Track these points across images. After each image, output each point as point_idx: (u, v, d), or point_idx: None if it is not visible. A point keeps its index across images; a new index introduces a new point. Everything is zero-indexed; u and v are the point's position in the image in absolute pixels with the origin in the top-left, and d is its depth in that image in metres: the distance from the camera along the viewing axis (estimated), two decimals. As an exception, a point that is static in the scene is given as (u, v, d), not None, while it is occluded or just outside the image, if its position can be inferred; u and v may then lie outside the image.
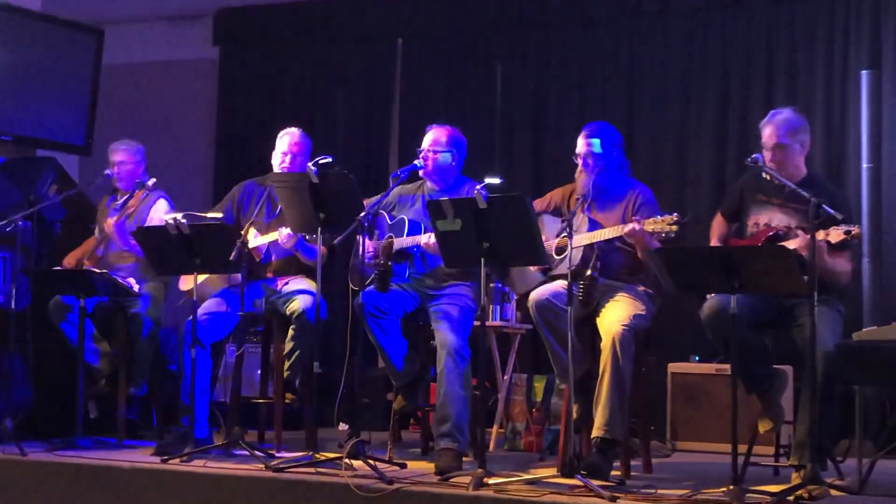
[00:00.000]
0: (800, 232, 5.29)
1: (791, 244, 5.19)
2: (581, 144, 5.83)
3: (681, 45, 8.04)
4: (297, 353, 6.30)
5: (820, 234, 5.01)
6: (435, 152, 6.14)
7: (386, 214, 6.23)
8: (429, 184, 6.23)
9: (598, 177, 5.74)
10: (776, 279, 4.81)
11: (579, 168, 5.84)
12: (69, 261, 7.09)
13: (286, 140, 6.55)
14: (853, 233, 4.97)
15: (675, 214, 5.27)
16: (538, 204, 6.01)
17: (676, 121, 8.04)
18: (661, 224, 5.27)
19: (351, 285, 6.16)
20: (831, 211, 4.91)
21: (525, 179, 8.27)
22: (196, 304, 6.12)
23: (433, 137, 6.18)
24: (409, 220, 6.12)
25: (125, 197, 6.97)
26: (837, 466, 5.49)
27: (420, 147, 6.20)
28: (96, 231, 7.17)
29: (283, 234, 6.19)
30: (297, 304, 6.26)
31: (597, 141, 5.79)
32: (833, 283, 5.25)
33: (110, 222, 6.78)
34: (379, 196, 6.17)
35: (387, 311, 5.97)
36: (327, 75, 9.10)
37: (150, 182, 6.84)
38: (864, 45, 7.47)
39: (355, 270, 6.14)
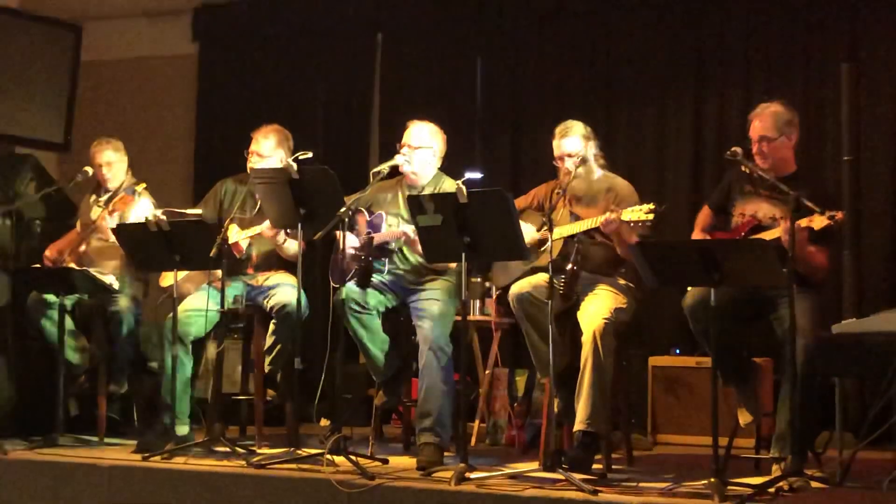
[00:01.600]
0: (782, 221, 5.30)
1: (773, 233, 5.21)
2: (556, 147, 5.83)
3: (659, 37, 8.03)
4: (278, 347, 6.29)
5: (804, 221, 5.02)
6: (415, 148, 6.13)
7: (364, 211, 6.21)
8: (407, 179, 6.22)
9: (581, 171, 5.73)
10: (756, 272, 4.83)
11: (563, 170, 5.82)
12: (50, 252, 7.04)
13: (254, 140, 6.53)
14: (837, 217, 4.98)
15: (652, 203, 5.28)
16: (522, 201, 6.01)
17: (655, 113, 8.03)
18: (637, 213, 5.28)
19: (331, 282, 6.15)
20: (810, 205, 4.92)
21: (505, 174, 8.26)
22: (176, 301, 6.10)
23: (413, 133, 6.17)
24: (388, 216, 6.12)
25: (110, 194, 6.94)
26: (818, 458, 5.50)
27: (400, 142, 6.19)
28: (78, 226, 7.14)
29: (268, 226, 6.17)
30: (278, 299, 6.25)
31: (571, 139, 5.80)
32: (809, 275, 5.27)
33: (103, 214, 6.75)
34: (359, 193, 6.16)
35: (368, 306, 5.97)
36: (307, 70, 9.07)
37: (140, 187, 6.82)
38: (842, 37, 7.48)
39: (336, 266, 6.14)
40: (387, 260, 6.06)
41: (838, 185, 7.02)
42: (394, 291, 6.09)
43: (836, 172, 7.14)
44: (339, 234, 5.88)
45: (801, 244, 5.06)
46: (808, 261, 5.21)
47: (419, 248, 5.72)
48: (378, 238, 6.04)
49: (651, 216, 5.24)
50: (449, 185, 6.10)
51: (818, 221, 5.01)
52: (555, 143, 5.84)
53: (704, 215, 5.81)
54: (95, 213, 6.89)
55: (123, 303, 6.70)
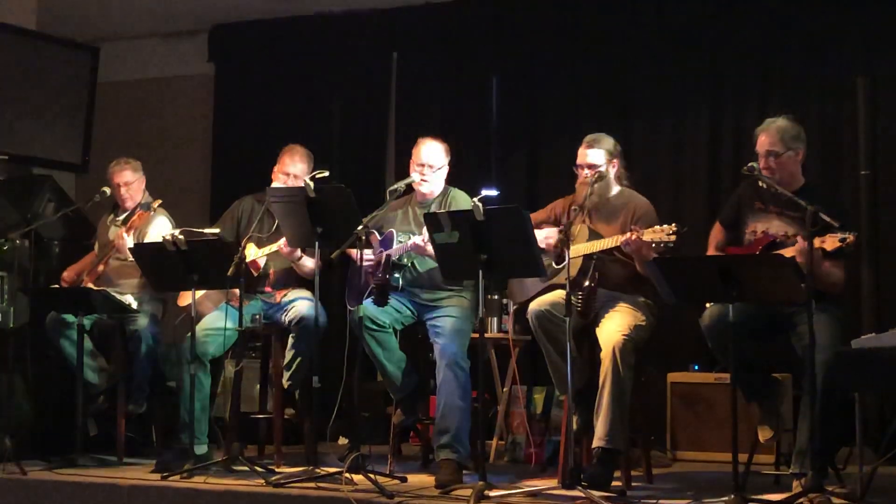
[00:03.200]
0: (797, 239, 5.28)
1: (787, 252, 5.20)
2: (581, 154, 5.84)
3: (675, 54, 8.04)
4: (297, 361, 6.29)
5: (816, 242, 5.00)
6: (428, 165, 6.15)
7: (375, 232, 6.21)
8: (417, 196, 6.24)
9: (596, 187, 5.73)
10: (774, 287, 4.82)
11: (580, 178, 5.85)
12: (68, 275, 7.08)
13: (287, 161, 6.53)
14: (848, 240, 4.97)
15: (674, 224, 5.27)
16: (541, 215, 6.01)
17: (671, 130, 8.04)
18: (659, 234, 5.27)
19: (348, 305, 6.15)
20: (828, 219, 4.91)
21: (521, 191, 8.27)
22: (194, 321, 6.11)
23: (425, 150, 6.19)
24: (398, 234, 6.12)
25: (126, 214, 6.97)
26: (838, 474, 5.48)
27: (411, 160, 6.21)
28: (96, 247, 7.17)
29: (283, 242, 6.19)
30: (296, 312, 6.27)
31: (595, 151, 5.81)
32: (827, 291, 5.25)
33: (120, 233, 6.76)
34: (376, 212, 6.16)
35: (384, 324, 5.97)
36: (323, 89, 9.10)
37: (156, 204, 6.84)
38: (857, 50, 7.48)
39: (352, 288, 6.14)
40: (399, 276, 6.07)
41: (856, 199, 7.02)
42: (410, 309, 6.09)
43: (854, 187, 7.13)
44: (354, 253, 5.88)
45: (816, 262, 5.03)
46: (825, 278, 5.19)
47: (430, 249, 5.70)
48: (392, 254, 6.05)
49: (673, 237, 5.23)
50: (458, 196, 6.12)
51: (830, 242, 5.00)
52: (580, 150, 5.85)
53: (717, 232, 5.80)
54: (113, 232, 6.90)
55: (142, 322, 6.71)
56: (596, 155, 5.80)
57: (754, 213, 5.58)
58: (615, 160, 5.84)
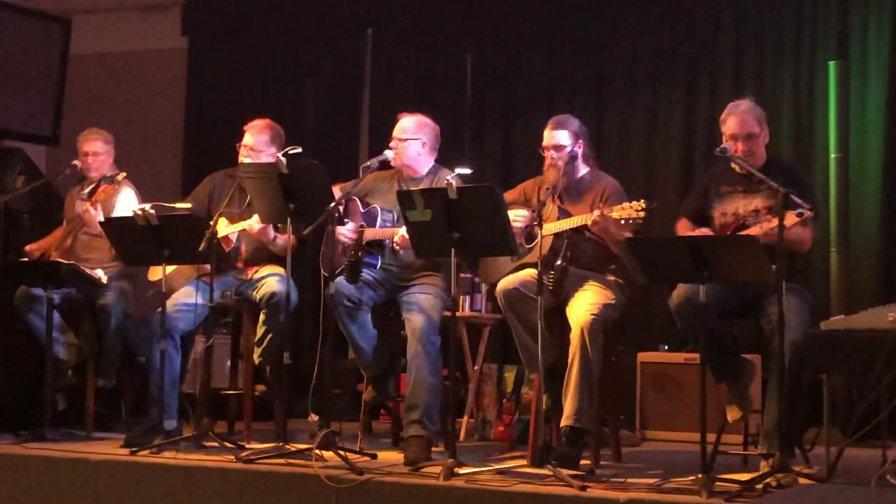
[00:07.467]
0: (761, 217, 5.31)
1: (752, 231, 5.21)
2: (547, 137, 5.85)
3: (650, 34, 8.04)
4: (268, 337, 6.27)
5: (774, 221, 5.02)
6: (402, 140, 6.14)
7: (359, 201, 6.20)
8: (403, 172, 6.22)
9: (567, 168, 5.75)
10: (744, 268, 4.84)
11: (548, 161, 5.85)
12: (32, 248, 7.01)
13: (246, 135, 6.52)
14: (805, 216, 4.98)
15: (643, 200, 5.28)
16: (509, 195, 6.00)
17: (645, 109, 8.05)
18: (628, 210, 5.27)
19: (322, 272, 6.15)
20: (799, 201, 4.93)
21: (495, 170, 8.27)
22: (165, 296, 6.08)
23: (400, 125, 6.18)
24: (382, 210, 6.10)
25: (92, 186, 6.91)
26: (806, 454, 5.52)
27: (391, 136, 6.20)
28: (64, 223, 7.12)
29: (253, 223, 6.16)
30: (267, 288, 6.24)
31: (563, 133, 5.82)
32: (794, 251, 5.26)
33: (87, 207, 6.71)
34: (353, 182, 6.14)
35: (358, 302, 5.95)
36: (297, 65, 9.07)
37: (120, 177, 6.80)
38: (831, 36, 7.50)
39: (327, 258, 6.13)
40: (378, 256, 6.05)
41: (827, 181, 7.06)
42: (384, 287, 6.08)
43: (825, 170, 7.16)
44: (329, 228, 5.87)
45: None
46: (790, 242, 5.19)
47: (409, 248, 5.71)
48: (369, 234, 6.03)
49: (643, 213, 5.25)
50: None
51: (789, 219, 5.01)
52: (546, 132, 5.86)
53: (684, 226, 5.79)
54: (79, 206, 6.85)
55: (112, 297, 6.67)
56: (562, 136, 5.81)
57: (721, 197, 5.60)
58: (581, 141, 5.85)
